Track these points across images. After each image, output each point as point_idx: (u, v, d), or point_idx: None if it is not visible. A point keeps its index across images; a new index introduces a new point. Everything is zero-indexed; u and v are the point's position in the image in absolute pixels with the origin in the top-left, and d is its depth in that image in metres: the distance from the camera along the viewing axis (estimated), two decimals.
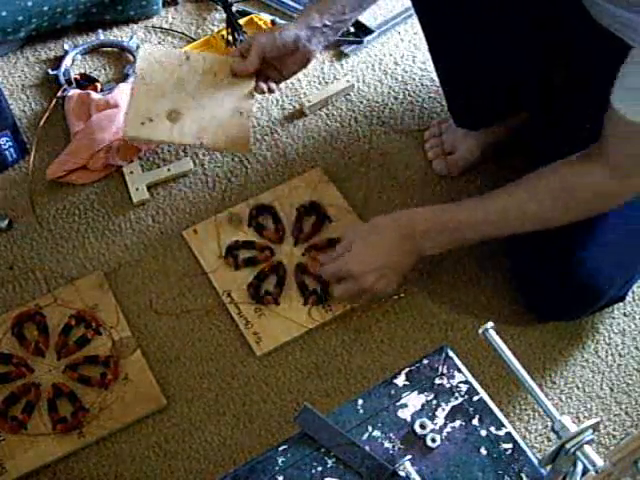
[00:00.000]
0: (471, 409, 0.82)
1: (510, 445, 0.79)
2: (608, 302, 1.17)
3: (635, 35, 0.87)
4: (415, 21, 1.53)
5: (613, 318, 1.22)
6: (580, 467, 0.66)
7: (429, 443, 0.79)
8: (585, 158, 1.01)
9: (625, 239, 1.10)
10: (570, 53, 1.11)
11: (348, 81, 1.45)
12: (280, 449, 0.79)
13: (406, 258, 1.13)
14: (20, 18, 1.42)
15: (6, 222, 1.29)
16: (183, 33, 1.55)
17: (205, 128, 1.21)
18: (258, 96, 1.45)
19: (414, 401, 0.82)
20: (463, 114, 1.30)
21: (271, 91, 1.29)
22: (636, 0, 0.84)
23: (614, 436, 1.12)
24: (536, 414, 1.13)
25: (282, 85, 1.46)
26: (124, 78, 1.45)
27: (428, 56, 1.47)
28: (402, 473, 0.76)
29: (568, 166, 1.03)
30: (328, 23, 1.21)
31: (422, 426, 0.80)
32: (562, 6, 1.02)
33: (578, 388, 1.16)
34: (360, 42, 1.50)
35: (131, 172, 1.34)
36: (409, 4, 1.54)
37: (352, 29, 1.50)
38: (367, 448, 0.78)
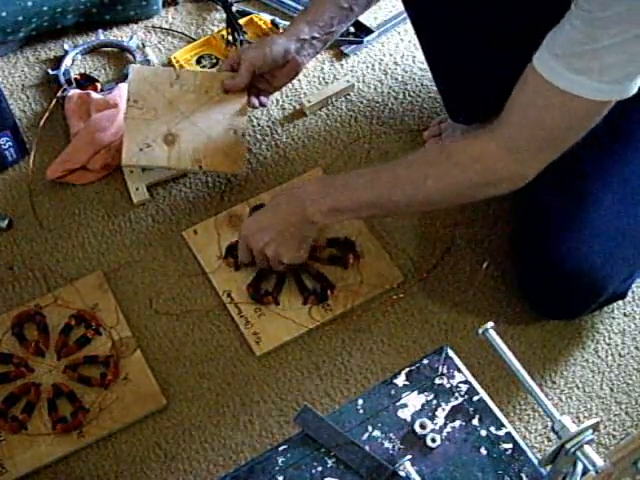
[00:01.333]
0: (471, 409, 0.82)
1: (510, 445, 0.79)
2: (608, 299, 1.17)
3: None
4: None
5: (613, 318, 1.22)
6: (580, 467, 0.66)
7: (429, 443, 0.79)
8: (476, 132, 1.00)
9: (625, 235, 1.10)
10: None
11: (348, 81, 1.45)
12: (280, 449, 0.79)
13: (297, 225, 1.11)
14: (20, 18, 1.42)
15: (6, 222, 1.29)
16: (183, 33, 1.55)
17: (202, 150, 1.24)
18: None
19: (414, 401, 0.82)
20: (458, 110, 1.30)
21: (263, 105, 1.31)
22: None
23: (614, 436, 1.12)
24: (536, 414, 1.13)
25: None
26: (124, 78, 1.45)
27: None
28: (402, 473, 0.76)
29: (455, 139, 1.01)
30: (317, 35, 1.22)
31: (422, 426, 0.80)
32: (553, 5, 1.02)
33: (578, 388, 1.16)
34: (360, 42, 1.50)
35: (131, 172, 1.34)
36: None
37: (352, 29, 1.51)
38: (367, 448, 0.79)
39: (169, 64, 1.49)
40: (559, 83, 0.88)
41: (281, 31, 1.44)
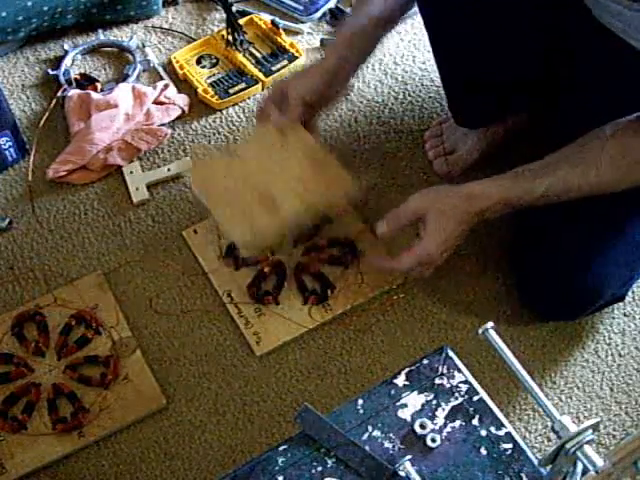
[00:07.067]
0: (471, 409, 0.82)
1: (510, 445, 0.79)
2: (607, 302, 1.17)
3: (637, 34, 0.87)
4: (415, 21, 1.53)
5: (613, 318, 1.22)
6: (580, 467, 0.66)
7: (429, 443, 0.79)
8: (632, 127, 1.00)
9: (624, 239, 1.10)
10: (573, 53, 1.11)
11: None
12: (280, 449, 0.79)
13: (470, 225, 1.10)
14: (20, 18, 1.42)
15: (6, 222, 1.29)
16: (183, 33, 1.55)
17: (304, 192, 1.11)
18: (258, 95, 1.46)
19: (414, 401, 0.82)
20: (463, 113, 1.30)
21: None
22: None
23: (614, 436, 1.12)
24: (536, 414, 1.13)
25: None
26: (124, 78, 1.45)
27: (428, 56, 1.48)
28: (402, 473, 0.76)
29: (623, 131, 1.00)
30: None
31: (422, 426, 0.80)
32: (564, 6, 1.02)
33: (578, 388, 1.16)
34: None
35: (131, 172, 1.34)
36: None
37: None
38: (367, 448, 0.78)
39: (169, 64, 1.49)
40: None
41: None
